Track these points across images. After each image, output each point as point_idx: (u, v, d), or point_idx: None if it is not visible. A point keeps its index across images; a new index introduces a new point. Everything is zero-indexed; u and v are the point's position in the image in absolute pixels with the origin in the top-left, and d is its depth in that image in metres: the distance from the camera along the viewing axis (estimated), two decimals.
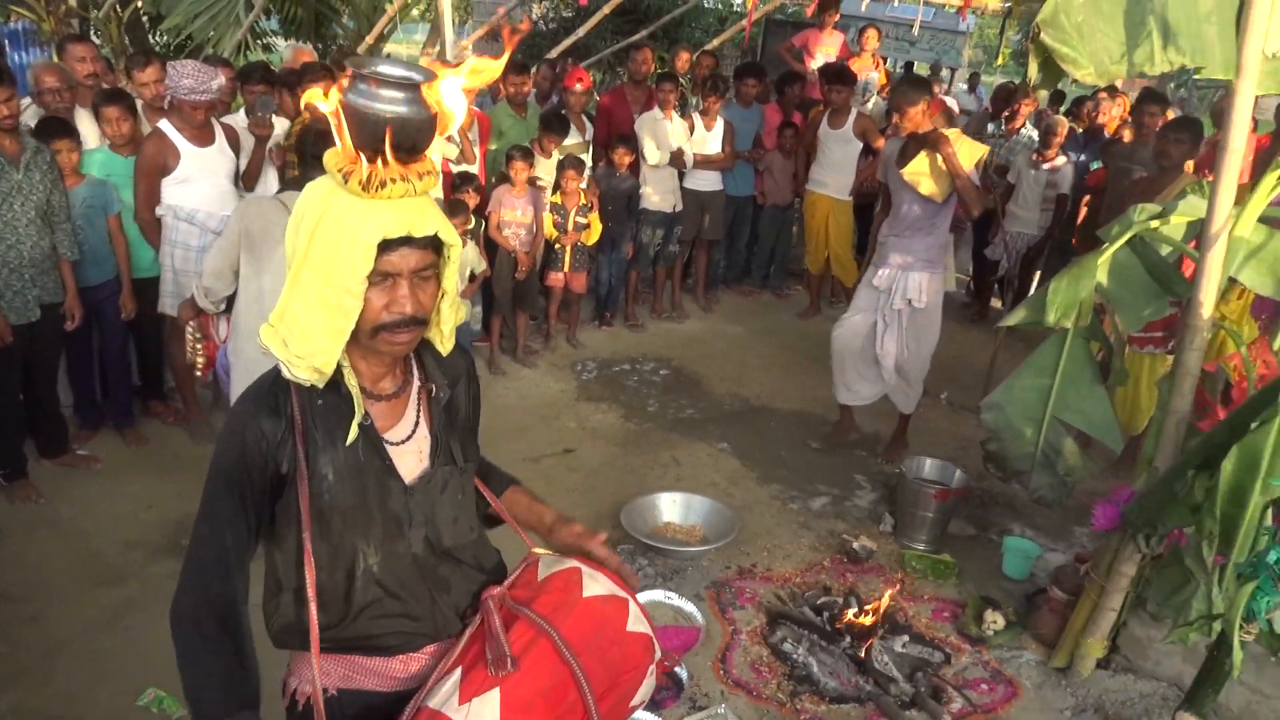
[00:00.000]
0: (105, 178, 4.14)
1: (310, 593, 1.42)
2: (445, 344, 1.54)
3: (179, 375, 4.56)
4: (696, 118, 6.41)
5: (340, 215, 1.32)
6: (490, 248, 5.51)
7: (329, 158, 1.35)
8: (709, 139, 6.44)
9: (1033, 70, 3.19)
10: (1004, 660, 3.26)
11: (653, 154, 6.17)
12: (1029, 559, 3.77)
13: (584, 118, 6.36)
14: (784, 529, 4.08)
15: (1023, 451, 3.00)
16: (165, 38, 9.47)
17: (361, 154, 1.31)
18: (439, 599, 1.56)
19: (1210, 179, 2.73)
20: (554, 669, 1.47)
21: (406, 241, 1.35)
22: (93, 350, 4.31)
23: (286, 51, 7.10)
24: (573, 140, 6.07)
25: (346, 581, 1.47)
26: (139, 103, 4.37)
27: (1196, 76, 2.76)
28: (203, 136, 4.22)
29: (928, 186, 4.15)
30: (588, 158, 6.24)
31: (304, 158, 3.36)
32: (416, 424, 1.54)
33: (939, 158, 4.08)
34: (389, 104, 1.29)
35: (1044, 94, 7.80)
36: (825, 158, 6.53)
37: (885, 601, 3.37)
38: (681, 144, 6.26)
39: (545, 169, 5.84)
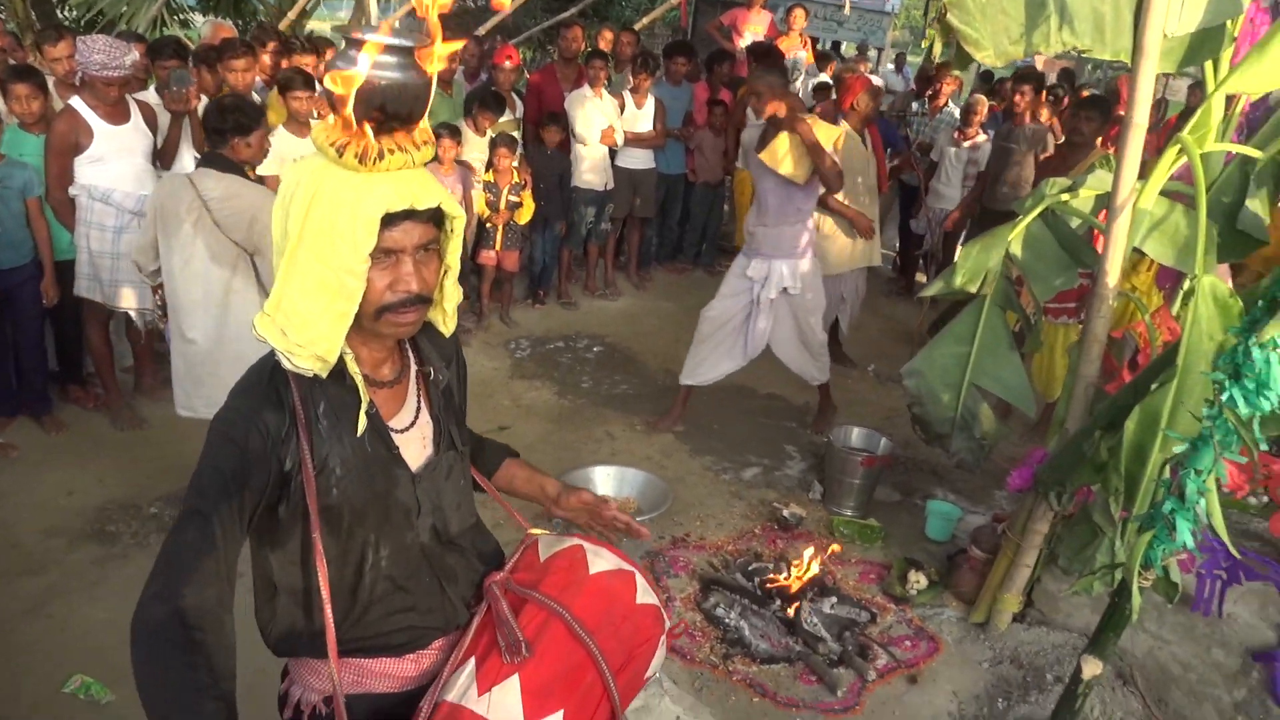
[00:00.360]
0: (19, 157, 4.00)
1: (324, 594, 1.33)
2: (448, 324, 1.49)
3: (98, 360, 4.44)
4: (627, 96, 6.42)
5: (336, 191, 1.25)
6: None
7: (317, 132, 1.28)
8: (640, 117, 6.46)
9: (937, 49, 3.29)
10: (927, 617, 3.39)
11: (584, 132, 6.17)
12: (950, 521, 3.91)
13: (514, 95, 6.32)
14: (716, 499, 4.17)
15: (943, 416, 3.11)
16: (74, 12, 9.12)
17: (356, 125, 1.25)
18: (448, 589, 1.51)
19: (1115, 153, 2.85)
20: (570, 650, 1.44)
21: (409, 215, 1.28)
22: (6, 336, 4.16)
23: (205, 27, 6.90)
24: (503, 119, 6.04)
25: (355, 578, 1.40)
26: (50, 80, 4.22)
27: (1091, 56, 2.87)
28: (116, 114, 4.09)
29: (787, 167, 4.15)
30: (518, 136, 6.21)
31: (209, 133, 3.38)
32: (418, 410, 1.48)
33: (797, 139, 4.07)
34: (384, 70, 1.23)
35: (966, 73, 7.98)
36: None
37: (809, 564, 3.47)
38: (612, 122, 6.27)
39: (478, 147, 5.80)
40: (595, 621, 1.48)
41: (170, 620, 1.22)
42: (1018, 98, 5.88)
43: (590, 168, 6.29)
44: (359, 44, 1.23)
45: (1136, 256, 3.56)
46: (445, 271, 1.42)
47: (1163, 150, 2.78)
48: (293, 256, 1.27)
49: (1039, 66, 10.22)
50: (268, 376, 1.36)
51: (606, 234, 6.65)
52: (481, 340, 5.91)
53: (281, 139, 4.62)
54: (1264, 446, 1.91)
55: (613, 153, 6.41)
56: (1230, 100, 2.77)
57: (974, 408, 3.08)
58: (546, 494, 1.75)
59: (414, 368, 1.50)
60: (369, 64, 1.23)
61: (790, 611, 3.33)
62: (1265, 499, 3.20)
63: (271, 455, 1.31)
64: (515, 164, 5.75)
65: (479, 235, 5.85)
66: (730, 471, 4.43)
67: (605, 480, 4.10)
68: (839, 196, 4.87)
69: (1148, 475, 2.36)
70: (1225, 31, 2.68)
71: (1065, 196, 2.97)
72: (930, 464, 4.57)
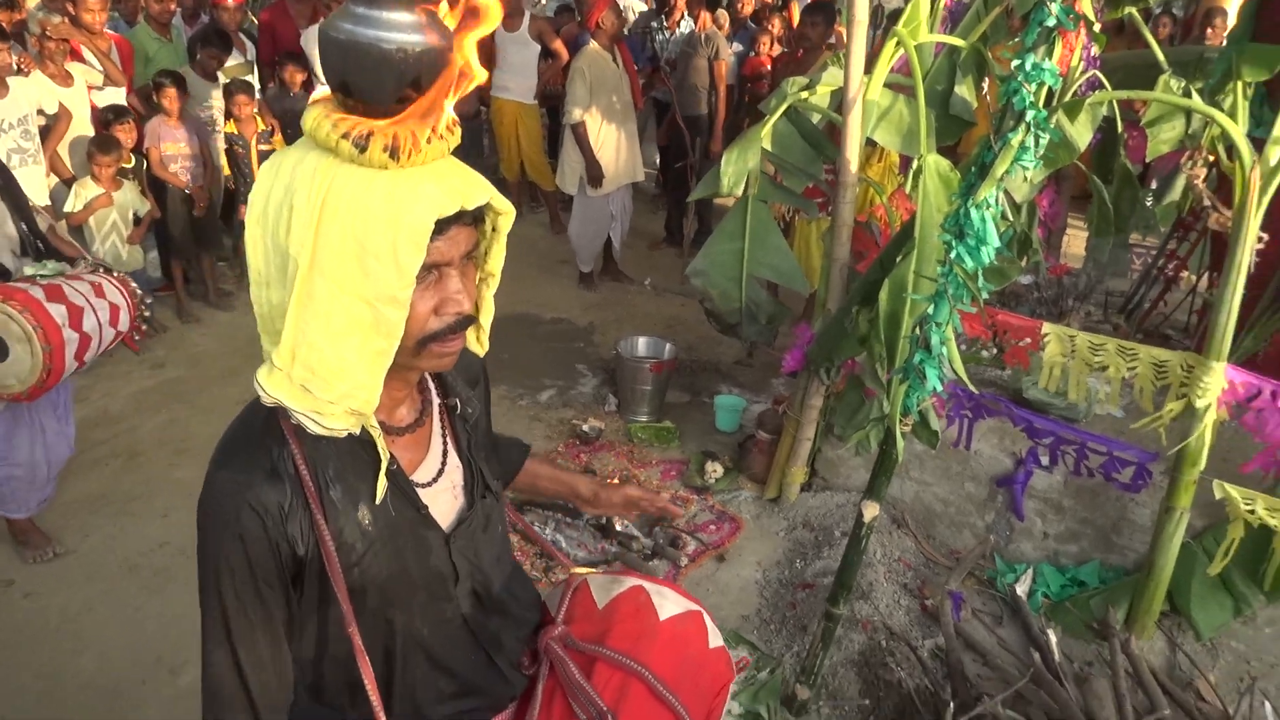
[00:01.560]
0: None
1: (370, 688, 1.11)
2: (482, 342, 1.24)
3: None
4: None
5: (360, 199, 0.97)
6: (158, 188, 5.03)
7: (316, 122, 0.99)
8: None
9: None
10: (726, 501, 3.64)
11: None
12: (737, 412, 4.19)
13: (242, 36, 5.88)
14: (517, 424, 4.23)
15: (731, 307, 3.31)
16: None
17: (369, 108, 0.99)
18: (497, 660, 1.30)
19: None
20: (654, 713, 1.29)
21: (457, 219, 1.03)
22: None
23: None
24: (233, 62, 5.62)
25: (386, 669, 1.19)
26: None
27: None
28: None
29: None
30: (254, 80, 5.80)
31: None
32: (444, 454, 1.25)
33: None
34: (405, 32, 0.96)
35: None
36: (504, 62, 6.52)
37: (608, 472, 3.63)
38: None
39: (211, 95, 5.37)
40: (674, 676, 1.32)
41: None
42: (694, 5, 6.43)
43: None
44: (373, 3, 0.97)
45: (870, 148, 3.89)
46: (485, 281, 1.19)
47: (882, 46, 3.04)
48: (306, 288, 0.99)
49: None
50: (255, 438, 1.09)
51: None
52: (245, 302, 5.54)
53: None
54: (986, 297, 2.19)
55: None
56: None
57: (756, 296, 3.30)
58: (579, 494, 1.57)
59: (436, 402, 1.26)
60: (363, 26, 0.96)
61: (602, 518, 3.47)
62: (995, 352, 3.67)
63: (278, 540, 1.07)
64: (256, 111, 5.39)
65: (235, 190, 5.47)
66: (527, 396, 4.49)
67: None
68: (594, 112, 4.96)
69: (902, 337, 2.64)
70: None
71: (804, 95, 3.19)
72: (713, 363, 4.85)
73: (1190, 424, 2.52)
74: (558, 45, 6.34)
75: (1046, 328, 2.79)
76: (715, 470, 3.78)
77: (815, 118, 3.32)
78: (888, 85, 3.13)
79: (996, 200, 2.11)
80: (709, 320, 3.50)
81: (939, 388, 2.21)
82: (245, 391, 3.85)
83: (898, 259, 2.74)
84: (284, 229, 0.99)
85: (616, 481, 1.60)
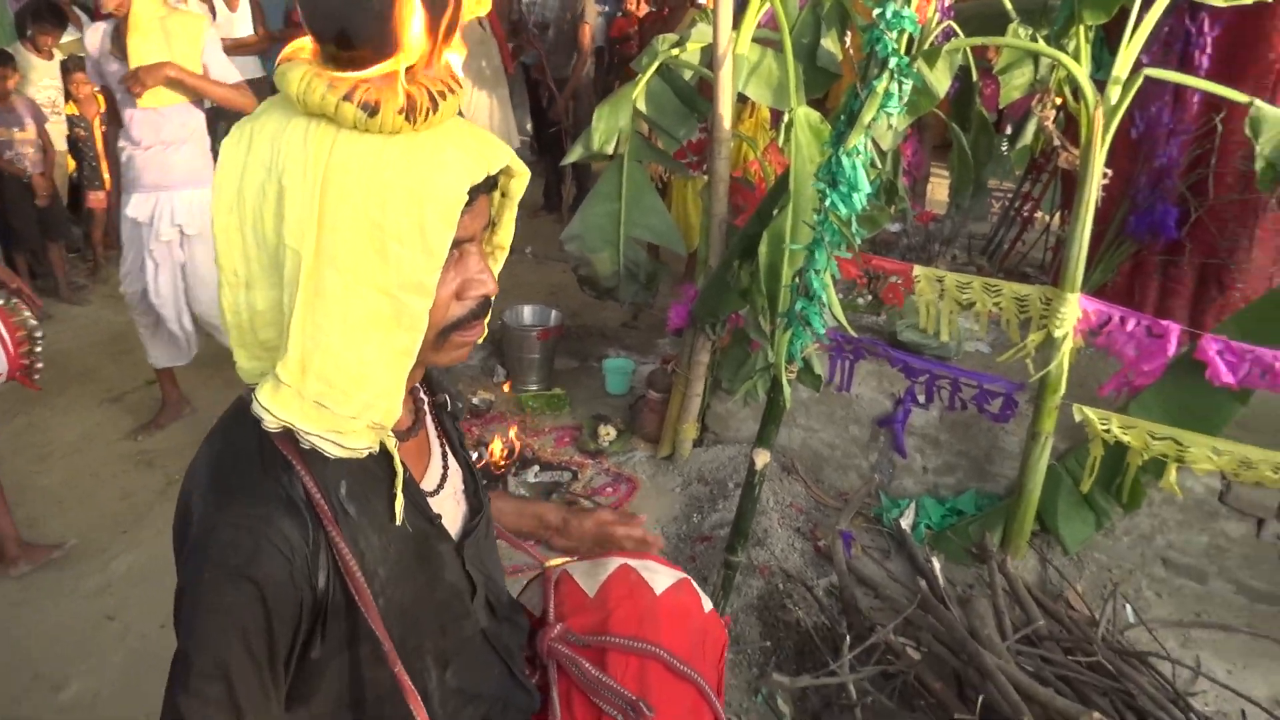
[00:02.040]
0: None
1: None
2: (484, 326, 1.07)
3: None
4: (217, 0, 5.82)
5: (375, 172, 0.83)
6: None
7: (305, 83, 0.83)
8: (235, 21, 5.89)
9: None
10: (621, 463, 3.67)
11: None
12: (626, 374, 4.22)
13: (75, 10, 5.48)
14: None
15: (608, 270, 3.31)
16: None
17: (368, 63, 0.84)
18: (516, 672, 1.20)
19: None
20: (680, 693, 1.23)
21: (481, 186, 0.91)
22: None
23: None
24: (69, 38, 5.24)
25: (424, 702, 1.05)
26: None
27: None
28: None
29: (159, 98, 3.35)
30: None
31: None
32: (445, 457, 1.14)
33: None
34: None
35: None
36: None
37: (503, 444, 3.61)
38: None
39: (47, 73, 5.00)
40: (686, 648, 1.26)
41: None
42: None
43: None
44: None
45: (741, 104, 3.94)
46: (492, 255, 1.07)
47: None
48: (312, 286, 0.84)
49: None
50: (257, 462, 0.92)
51: None
52: (102, 295, 5.26)
53: None
54: (860, 243, 2.26)
55: None
56: None
57: (635, 256, 3.31)
58: (548, 524, 1.43)
59: (425, 400, 1.14)
60: None
61: (500, 488, 3.45)
62: (870, 298, 3.80)
63: (302, 584, 0.90)
64: (98, 89, 5.04)
65: (81, 175, 5.12)
66: None
67: None
68: (464, 79, 4.85)
69: (783, 287, 2.70)
70: None
71: (675, 51, 3.20)
72: (599, 328, 4.86)
73: (1050, 353, 2.68)
74: None
75: (917, 270, 2.90)
76: (608, 433, 3.80)
77: (687, 75, 3.34)
78: (756, 40, 3.17)
79: (865, 148, 2.17)
80: (582, 287, 3.50)
81: (821, 333, 2.27)
82: (109, 387, 3.66)
83: (774, 211, 2.79)
84: (271, 216, 0.84)
85: (585, 505, 1.46)
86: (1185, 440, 2.56)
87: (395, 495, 0.98)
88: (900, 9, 2.02)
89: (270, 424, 0.87)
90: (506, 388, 4.25)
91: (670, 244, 3.37)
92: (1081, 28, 2.54)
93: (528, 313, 4.43)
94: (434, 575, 1.05)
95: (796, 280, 2.41)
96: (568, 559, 1.40)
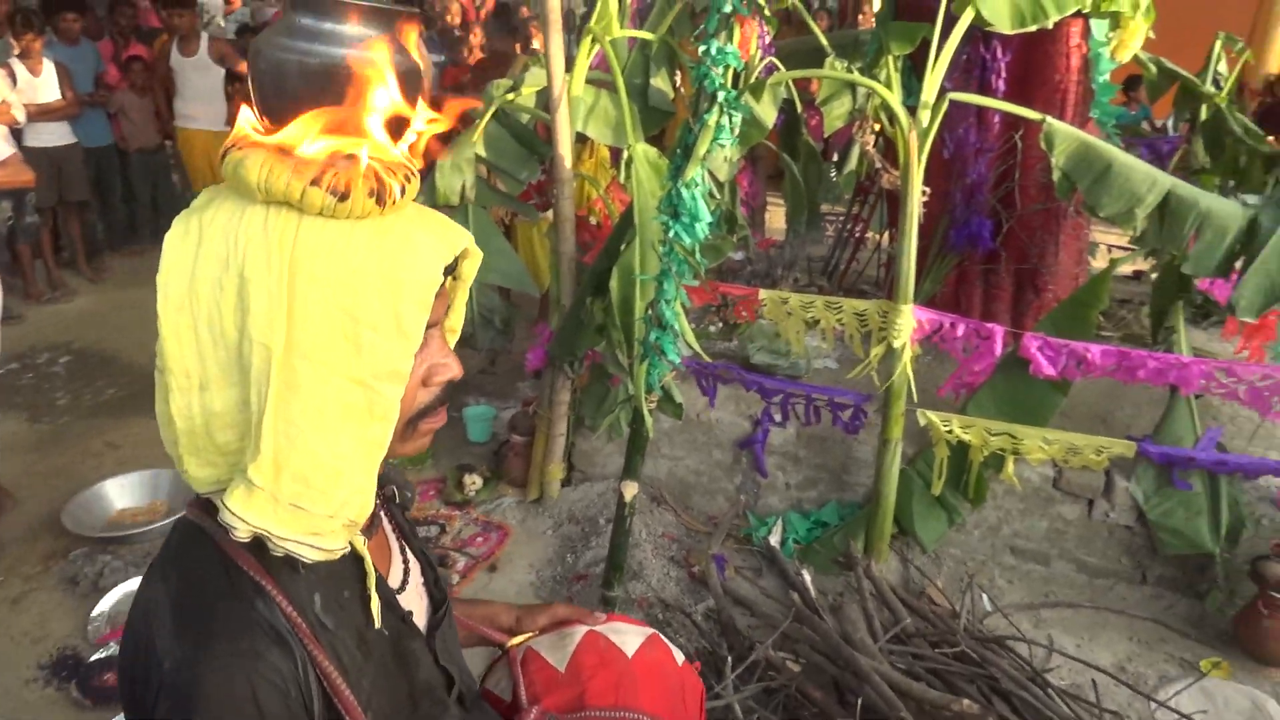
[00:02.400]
0: None
1: None
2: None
3: None
4: (17, 64, 5.46)
5: (346, 259, 0.80)
6: None
7: (267, 169, 0.79)
8: (40, 86, 5.55)
9: None
10: (490, 511, 3.61)
11: None
12: (487, 421, 4.16)
13: None
14: None
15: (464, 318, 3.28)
16: None
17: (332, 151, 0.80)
18: None
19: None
20: None
21: (447, 269, 0.88)
22: None
23: None
24: None
25: None
26: None
27: None
28: None
29: None
30: None
31: None
32: (405, 552, 1.09)
33: None
34: (357, 47, 0.82)
35: None
36: (187, 90, 6.06)
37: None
38: (5, 96, 5.30)
39: None
40: (666, 707, 1.22)
41: None
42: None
43: None
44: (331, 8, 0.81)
45: (580, 144, 4.00)
46: (447, 336, 1.02)
47: (579, 43, 3.14)
48: (284, 381, 0.80)
49: None
50: (225, 589, 0.85)
51: (36, 228, 5.70)
52: None
53: None
54: (705, 270, 2.33)
55: (17, 133, 5.44)
56: None
57: (488, 302, 3.29)
58: (500, 624, 1.36)
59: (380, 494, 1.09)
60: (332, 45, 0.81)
61: None
62: (721, 325, 3.91)
63: (300, 716, 0.84)
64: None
65: None
66: None
67: (121, 492, 3.67)
68: None
69: (637, 319, 2.74)
70: None
71: (510, 96, 3.23)
72: None
73: (892, 363, 2.82)
74: (244, 67, 5.97)
75: (763, 294, 3.01)
76: (474, 482, 3.73)
77: (524, 118, 3.37)
78: (590, 82, 3.24)
79: (703, 179, 2.25)
80: None
81: (677, 360, 2.32)
82: None
83: (622, 246, 2.84)
84: (232, 311, 0.79)
85: (536, 605, 1.40)
86: (1019, 433, 2.75)
87: (370, 597, 0.93)
88: (724, 45, 2.11)
89: (241, 534, 0.82)
90: None
91: (522, 286, 3.37)
92: (890, 58, 2.72)
93: None
94: (411, 676, 1.00)
95: (649, 312, 2.45)
96: (529, 634, 1.34)
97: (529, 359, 3.45)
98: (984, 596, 2.97)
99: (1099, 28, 3.32)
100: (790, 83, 3.16)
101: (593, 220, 3.78)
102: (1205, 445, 2.88)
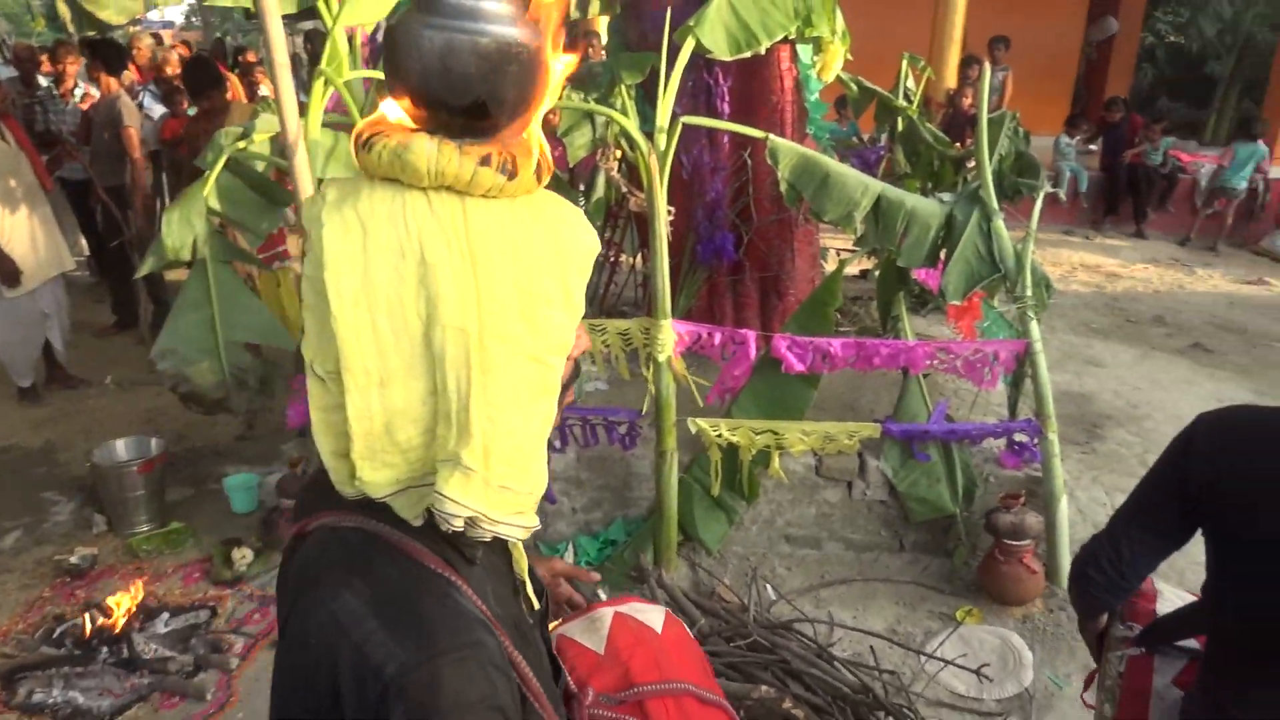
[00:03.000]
0: None
1: None
2: None
3: None
4: None
5: (521, 236, 0.80)
6: None
7: (440, 153, 0.77)
8: None
9: (68, 18, 3.06)
10: (267, 584, 3.38)
11: None
12: (252, 489, 3.90)
13: None
14: None
15: (213, 382, 3.05)
16: None
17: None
18: None
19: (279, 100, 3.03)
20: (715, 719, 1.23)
21: None
22: None
23: None
24: None
25: None
26: None
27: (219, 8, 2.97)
28: None
29: None
30: None
31: None
32: None
33: None
34: (521, 27, 0.79)
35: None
36: None
37: (118, 601, 3.18)
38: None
39: None
40: (700, 675, 1.27)
41: None
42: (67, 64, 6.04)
43: None
44: None
45: None
46: None
47: (311, 86, 3.04)
48: (480, 361, 0.78)
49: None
50: (424, 586, 0.82)
51: None
52: None
53: None
54: None
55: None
56: (350, 33, 3.15)
57: (240, 361, 3.09)
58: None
59: None
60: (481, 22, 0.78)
61: (125, 651, 3.02)
62: None
63: (519, 702, 0.84)
64: None
65: None
66: None
67: None
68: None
69: None
70: None
71: (241, 144, 3.07)
72: (210, 446, 4.45)
73: (660, 376, 2.94)
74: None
75: None
76: (244, 556, 3.49)
77: (260, 166, 3.22)
78: (329, 125, 3.14)
79: None
80: (187, 406, 3.21)
81: None
82: None
83: None
84: (415, 299, 0.78)
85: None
86: (780, 429, 2.95)
87: (523, 583, 0.96)
88: None
89: (456, 520, 0.81)
90: (110, 536, 3.73)
91: (276, 340, 3.20)
92: (624, 88, 2.86)
93: (122, 447, 3.92)
94: (540, 664, 0.97)
95: None
96: (555, 622, 1.36)
97: (290, 416, 3.27)
98: (768, 587, 3.15)
99: (805, 52, 3.65)
100: None
101: None
102: (936, 418, 3.22)
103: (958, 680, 2.72)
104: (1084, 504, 3.50)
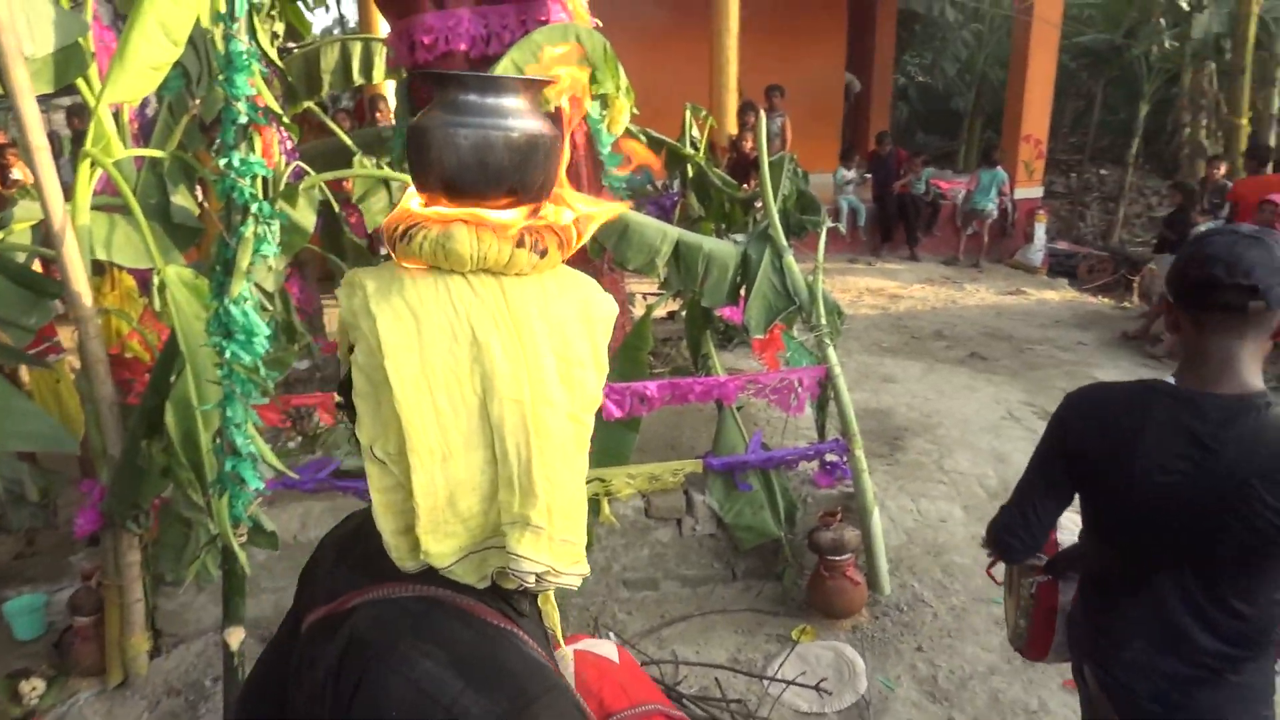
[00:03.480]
0: None
1: None
2: None
3: None
4: None
5: (551, 307, 0.87)
6: None
7: (479, 240, 0.83)
8: None
9: None
10: (63, 716, 3.05)
11: None
12: (38, 611, 3.51)
13: None
14: None
15: None
16: None
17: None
18: None
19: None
20: None
21: None
22: None
23: None
24: None
25: None
26: None
27: None
28: None
29: None
30: None
31: None
32: None
33: None
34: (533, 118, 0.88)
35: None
36: None
37: None
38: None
39: None
40: (658, 695, 1.33)
41: None
42: None
43: None
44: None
45: (99, 276, 3.60)
46: None
47: (77, 167, 2.84)
48: (536, 426, 0.84)
49: None
50: (488, 635, 0.86)
51: None
52: None
53: None
54: (273, 386, 2.23)
55: None
56: (116, 110, 2.97)
57: (13, 474, 2.80)
58: None
59: None
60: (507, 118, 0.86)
61: None
62: (301, 440, 3.74)
63: None
64: None
65: None
66: None
67: None
68: None
69: (206, 453, 2.52)
70: (83, 49, 2.82)
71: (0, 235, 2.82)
72: None
73: None
74: None
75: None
76: (34, 688, 3.12)
77: (21, 258, 2.96)
78: (99, 208, 2.94)
79: (251, 293, 2.16)
80: None
81: (261, 486, 2.18)
82: None
83: (172, 378, 2.61)
84: (471, 376, 0.83)
85: None
86: (606, 475, 2.99)
87: (553, 632, 1.01)
88: (246, 156, 2.06)
89: (528, 576, 0.85)
90: None
91: (55, 445, 2.91)
92: None
93: None
94: None
95: (218, 441, 2.29)
96: None
97: (79, 525, 2.98)
98: (610, 634, 3.15)
99: (593, 108, 3.77)
100: (324, 184, 3.15)
101: (129, 355, 3.41)
102: (753, 448, 3.37)
103: (800, 699, 2.82)
104: (894, 512, 3.75)
